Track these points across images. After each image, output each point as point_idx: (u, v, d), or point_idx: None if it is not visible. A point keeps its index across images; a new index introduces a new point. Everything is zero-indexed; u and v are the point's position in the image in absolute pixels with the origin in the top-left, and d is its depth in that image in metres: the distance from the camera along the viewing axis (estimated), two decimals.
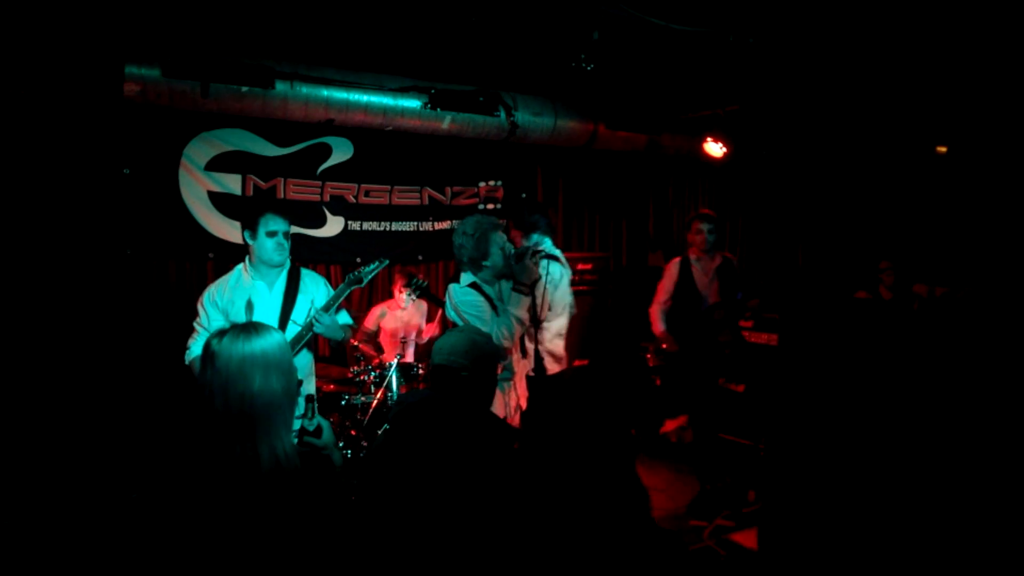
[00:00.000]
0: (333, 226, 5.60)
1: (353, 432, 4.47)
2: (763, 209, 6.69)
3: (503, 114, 5.48)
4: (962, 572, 2.48)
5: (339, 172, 5.58)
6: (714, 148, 6.06)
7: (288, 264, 3.45)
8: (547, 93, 5.81)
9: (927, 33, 4.05)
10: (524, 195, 6.55)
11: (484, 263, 3.52)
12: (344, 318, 3.55)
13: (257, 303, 3.31)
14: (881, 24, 3.98)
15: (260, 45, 4.58)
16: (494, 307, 3.52)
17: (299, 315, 3.37)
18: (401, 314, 5.33)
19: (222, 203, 5.12)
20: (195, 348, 3.34)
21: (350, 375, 4.74)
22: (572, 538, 1.61)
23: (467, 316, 3.47)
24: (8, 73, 4.02)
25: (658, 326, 5.15)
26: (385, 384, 4.70)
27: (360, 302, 5.70)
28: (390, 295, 5.51)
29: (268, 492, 1.72)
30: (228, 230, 5.15)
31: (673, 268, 5.21)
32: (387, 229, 5.86)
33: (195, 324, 3.39)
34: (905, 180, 5.68)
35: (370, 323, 5.41)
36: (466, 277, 3.59)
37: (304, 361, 3.36)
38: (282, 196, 5.35)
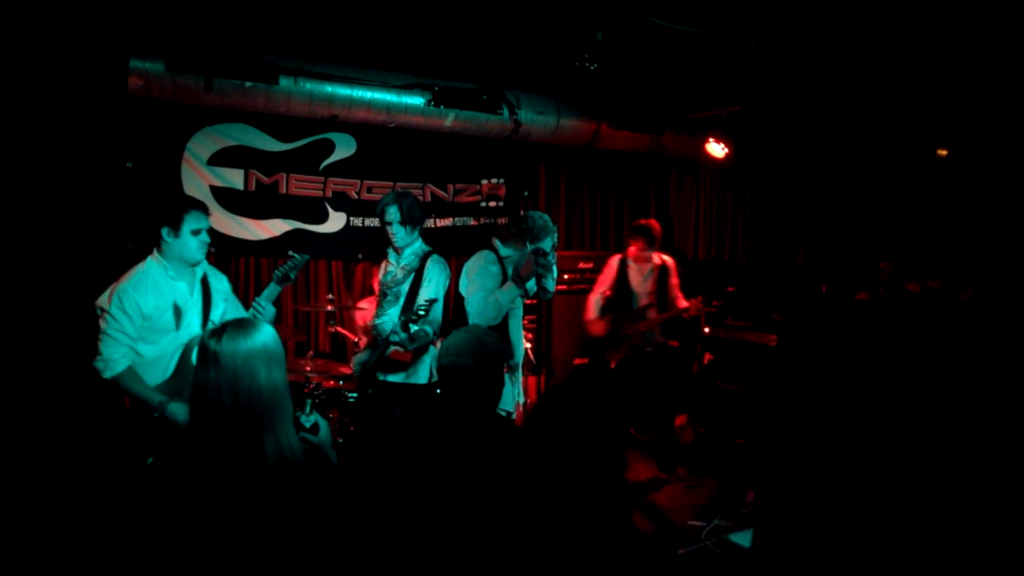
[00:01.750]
0: (335, 222, 5.61)
1: (353, 428, 4.48)
2: (764, 210, 6.70)
3: (506, 112, 5.49)
4: (962, 572, 2.49)
5: (342, 168, 5.58)
6: (716, 149, 6.07)
7: (205, 264, 3.29)
8: (550, 92, 5.82)
9: (928, 35, 4.06)
10: (526, 193, 6.57)
11: (536, 243, 3.85)
12: (243, 311, 3.45)
13: (184, 308, 3.12)
14: (882, 26, 3.99)
15: (264, 40, 4.58)
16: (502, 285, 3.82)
17: (215, 313, 3.28)
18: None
19: (224, 198, 5.13)
20: (120, 360, 2.97)
21: (350, 371, 4.74)
22: (568, 538, 1.62)
23: (475, 275, 3.76)
24: (12, 66, 4.03)
25: (589, 313, 5.36)
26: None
27: (359, 295, 5.70)
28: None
29: (276, 486, 1.73)
30: (230, 225, 5.16)
31: (612, 264, 5.44)
32: None
33: (108, 331, 2.97)
34: (906, 182, 5.69)
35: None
36: (503, 250, 3.93)
37: None
38: (284, 192, 5.36)
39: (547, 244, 3.86)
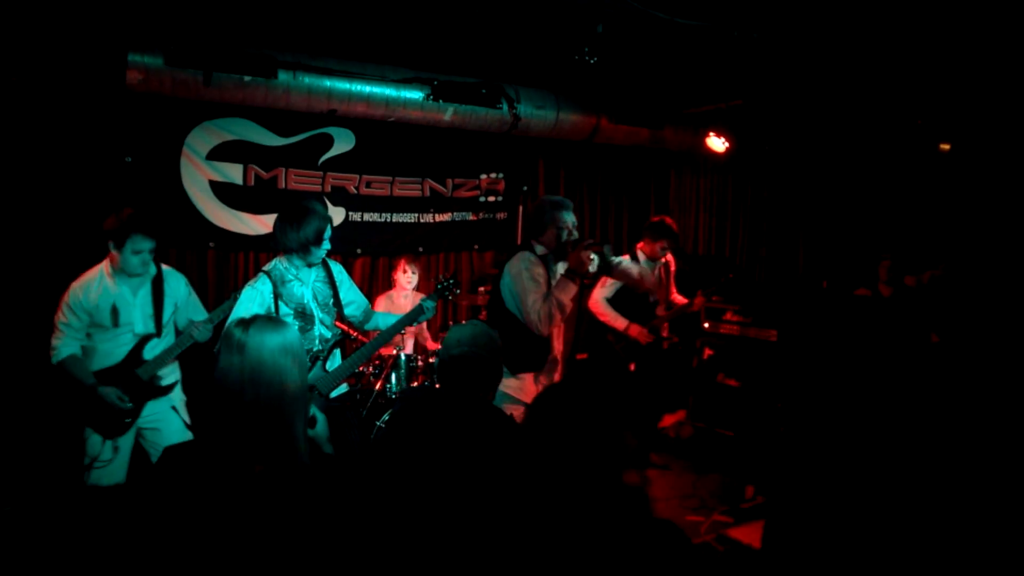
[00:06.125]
0: (334, 217, 5.59)
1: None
2: (764, 205, 6.69)
3: (505, 106, 5.47)
4: (962, 567, 2.49)
5: (341, 163, 5.57)
6: (716, 143, 6.05)
7: (154, 270, 3.56)
8: (550, 86, 5.80)
9: (931, 28, 4.04)
10: (525, 188, 6.55)
11: (538, 236, 3.64)
12: (202, 314, 3.72)
13: (122, 308, 3.45)
14: (885, 19, 3.97)
15: (263, 34, 4.56)
16: (549, 286, 3.56)
17: (166, 315, 3.59)
18: (403, 302, 5.30)
19: (223, 192, 5.12)
20: (63, 348, 3.39)
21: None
22: (571, 533, 1.62)
23: (523, 280, 3.47)
24: (11, 61, 4.01)
25: (619, 320, 4.96)
26: (384, 376, 4.72)
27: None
28: (390, 285, 5.49)
29: (287, 483, 1.71)
30: (229, 219, 5.15)
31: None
32: (388, 220, 5.86)
33: (58, 323, 3.41)
34: (908, 177, 5.68)
35: None
36: (539, 249, 3.68)
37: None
38: (283, 186, 5.35)
39: (568, 219, 3.63)
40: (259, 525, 1.68)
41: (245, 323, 1.81)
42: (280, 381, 1.75)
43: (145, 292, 3.53)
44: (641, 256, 5.15)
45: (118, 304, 3.44)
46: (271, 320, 1.85)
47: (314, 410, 3.13)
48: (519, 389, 3.54)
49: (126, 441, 3.53)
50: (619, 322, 4.96)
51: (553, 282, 3.58)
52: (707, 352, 5.98)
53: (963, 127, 5.23)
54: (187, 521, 1.70)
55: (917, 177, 5.62)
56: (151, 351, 3.53)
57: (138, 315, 3.49)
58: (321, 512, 1.75)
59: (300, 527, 1.71)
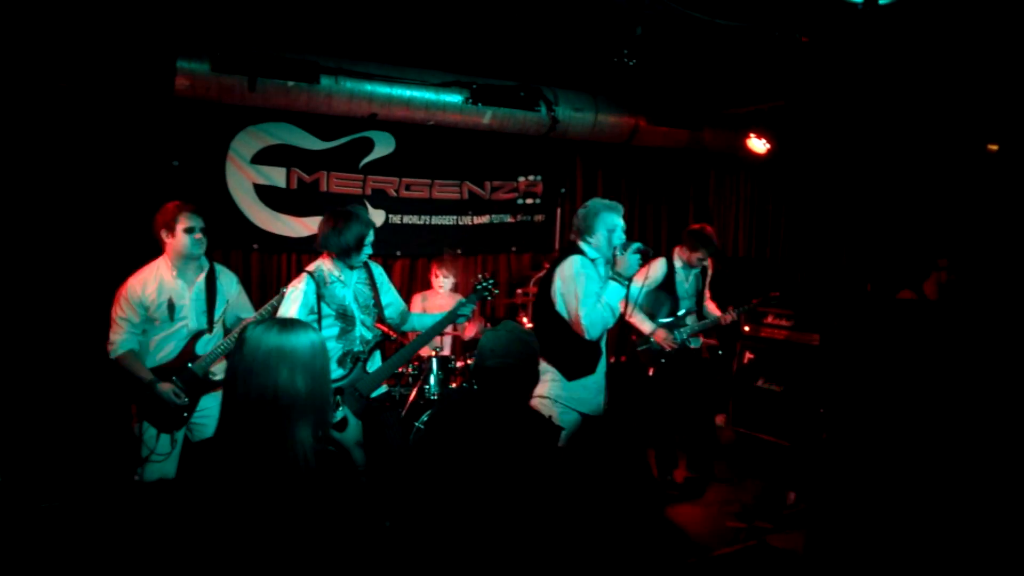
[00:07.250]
0: (374, 219, 5.65)
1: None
2: (806, 207, 6.58)
3: (544, 109, 5.48)
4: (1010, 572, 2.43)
5: (381, 166, 5.64)
6: (757, 144, 5.97)
7: (207, 265, 3.66)
8: (588, 88, 5.79)
9: (978, 26, 3.94)
10: (563, 190, 6.55)
11: (588, 238, 3.63)
12: (250, 311, 3.83)
13: (177, 303, 3.54)
14: (928, 18, 3.89)
15: (306, 40, 4.65)
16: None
17: (217, 312, 3.68)
18: (439, 302, 5.34)
19: (267, 195, 5.22)
20: (122, 344, 3.47)
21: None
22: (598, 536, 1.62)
23: (576, 283, 3.43)
24: (63, 67, 4.16)
25: (646, 324, 4.84)
26: (422, 377, 4.75)
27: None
28: (427, 285, 5.54)
29: (276, 489, 1.69)
30: (272, 222, 5.25)
31: (657, 267, 4.92)
32: (427, 223, 5.90)
33: (116, 319, 3.49)
34: (954, 178, 5.54)
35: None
36: (591, 252, 3.65)
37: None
38: (325, 189, 5.43)
39: (618, 222, 3.62)
40: (248, 525, 1.67)
41: (259, 322, 1.81)
42: (272, 383, 1.71)
43: (199, 287, 3.61)
44: (678, 262, 5.02)
45: (174, 298, 3.53)
46: (282, 322, 1.82)
47: (346, 412, 3.13)
48: (575, 399, 3.49)
49: (179, 435, 3.61)
50: (645, 326, 4.88)
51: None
52: (747, 356, 5.90)
53: (1012, 127, 5.08)
54: (189, 518, 1.72)
55: (963, 178, 5.48)
56: (203, 347, 3.61)
57: (192, 310, 3.58)
58: (312, 517, 1.70)
59: (286, 530, 1.68)
